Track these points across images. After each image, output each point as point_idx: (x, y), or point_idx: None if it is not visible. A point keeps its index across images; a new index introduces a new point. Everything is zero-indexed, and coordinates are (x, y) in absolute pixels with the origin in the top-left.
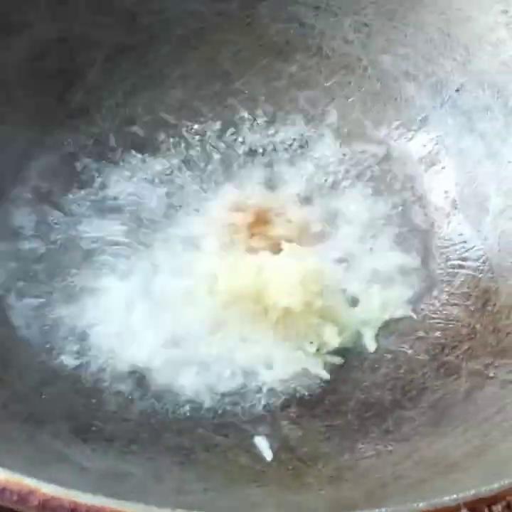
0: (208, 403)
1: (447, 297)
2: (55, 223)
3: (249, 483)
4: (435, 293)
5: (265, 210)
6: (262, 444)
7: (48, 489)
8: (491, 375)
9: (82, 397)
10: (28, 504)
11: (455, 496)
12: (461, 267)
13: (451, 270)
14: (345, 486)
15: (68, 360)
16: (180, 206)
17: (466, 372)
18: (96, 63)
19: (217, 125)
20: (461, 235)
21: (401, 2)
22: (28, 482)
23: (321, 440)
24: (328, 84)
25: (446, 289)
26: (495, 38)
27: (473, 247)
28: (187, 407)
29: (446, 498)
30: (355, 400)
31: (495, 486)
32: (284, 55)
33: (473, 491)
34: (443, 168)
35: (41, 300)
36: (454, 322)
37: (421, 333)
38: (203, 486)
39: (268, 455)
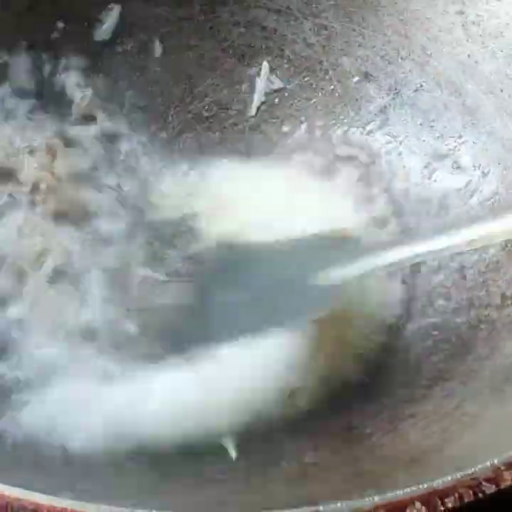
0: None
1: None
2: None
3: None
4: None
5: None
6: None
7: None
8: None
9: None
10: None
11: (408, 489)
12: None
13: None
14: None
15: None
16: None
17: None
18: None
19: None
20: None
21: (359, 4)
22: None
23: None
24: (290, 86)
25: None
26: (451, 38)
27: None
28: None
29: (400, 492)
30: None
31: (448, 479)
32: (247, 58)
33: (425, 485)
34: (404, 167)
35: None
36: None
37: None
38: (168, 485)
39: (233, 453)
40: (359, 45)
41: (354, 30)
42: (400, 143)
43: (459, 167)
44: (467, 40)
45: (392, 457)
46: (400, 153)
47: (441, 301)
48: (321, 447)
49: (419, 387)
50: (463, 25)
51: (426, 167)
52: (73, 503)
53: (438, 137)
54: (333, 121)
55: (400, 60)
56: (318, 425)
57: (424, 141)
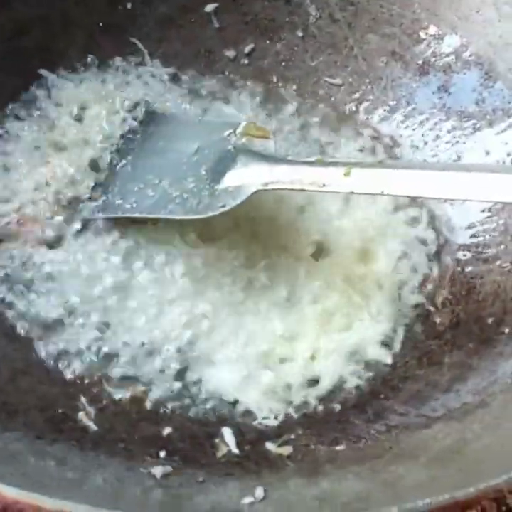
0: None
1: None
2: None
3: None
4: None
5: None
6: (228, 436)
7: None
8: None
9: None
10: None
11: (428, 500)
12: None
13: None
14: (326, 479)
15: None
16: None
17: (448, 362)
18: (77, 40)
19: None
20: None
21: None
22: None
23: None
24: (313, 63)
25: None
26: (482, 18)
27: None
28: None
29: (420, 503)
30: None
31: (470, 491)
32: (270, 33)
33: (447, 495)
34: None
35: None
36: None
37: None
38: (178, 481)
39: (233, 447)
40: (386, 23)
41: (382, 6)
42: (425, 125)
43: (489, 153)
44: (499, 20)
45: (410, 456)
46: (420, 134)
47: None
48: (339, 442)
49: (441, 381)
50: (494, 4)
51: (453, 150)
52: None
53: (466, 120)
54: (358, 101)
55: (428, 39)
56: (336, 420)
57: (452, 124)
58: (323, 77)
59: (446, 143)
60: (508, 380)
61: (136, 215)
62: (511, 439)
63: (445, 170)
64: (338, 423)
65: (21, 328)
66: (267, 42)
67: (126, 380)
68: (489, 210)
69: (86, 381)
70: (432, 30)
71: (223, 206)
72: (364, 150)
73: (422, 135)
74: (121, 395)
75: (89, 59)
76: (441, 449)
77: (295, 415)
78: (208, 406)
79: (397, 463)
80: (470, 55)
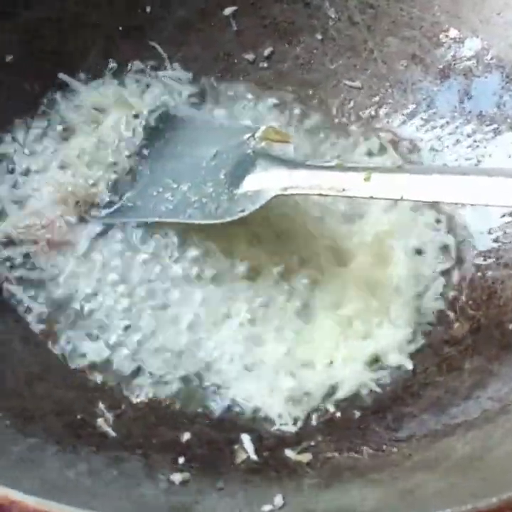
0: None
1: None
2: None
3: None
4: None
5: None
6: (247, 442)
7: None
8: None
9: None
10: None
11: (449, 510)
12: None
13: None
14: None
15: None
16: None
17: (469, 368)
18: (97, 44)
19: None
20: None
21: None
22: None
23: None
24: (333, 66)
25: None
26: (504, 20)
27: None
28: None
29: None
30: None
31: (492, 501)
32: (289, 36)
33: (469, 506)
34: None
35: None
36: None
37: None
38: (196, 487)
39: (252, 453)
40: (406, 26)
41: (401, 9)
42: (445, 128)
43: (510, 157)
44: None
45: (430, 463)
46: (440, 138)
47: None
48: (358, 449)
49: (461, 388)
50: None
51: (473, 154)
52: None
53: (487, 124)
54: (377, 104)
55: (448, 43)
56: (356, 427)
57: (472, 128)
58: (343, 80)
59: (467, 147)
60: None
61: (155, 219)
62: None
63: (465, 174)
64: (358, 430)
65: (40, 332)
66: (286, 45)
67: (145, 385)
68: (510, 214)
69: (105, 386)
70: (453, 33)
71: (242, 211)
72: (382, 154)
73: (442, 139)
74: (139, 400)
75: (108, 63)
76: (462, 456)
77: (314, 422)
78: (227, 412)
79: (416, 471)
80: (491, 58)
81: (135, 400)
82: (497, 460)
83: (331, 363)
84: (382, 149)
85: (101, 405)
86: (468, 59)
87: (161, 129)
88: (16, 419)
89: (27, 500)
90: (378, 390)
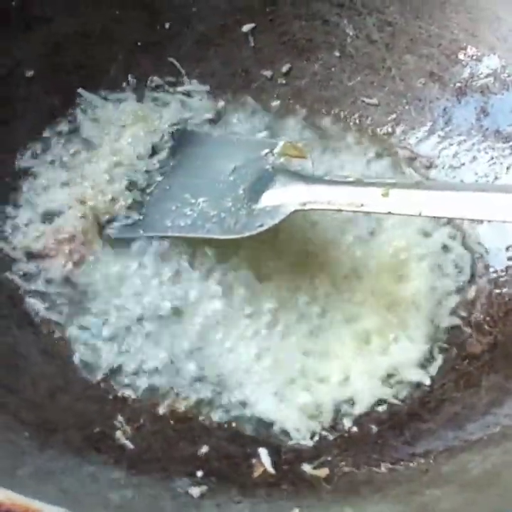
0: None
1: None
2: None
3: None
4: None
5: None
6: (264, 456)
7: None
8: None
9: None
10: None
11: None
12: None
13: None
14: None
15: None
16: None
17: (486, 385)
18: (117, 59)
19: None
20: None
21: (426, 0)
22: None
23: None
24: (350, 83)
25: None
26: None
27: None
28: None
29: None
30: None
31: None
32: (307, 53)
33: None
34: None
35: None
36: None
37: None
38: (215, 501)
39: (269, 467)
40: (424, 43)
41: (420, 27)
42: (462, 146)
43: None
44: None
45: (447, 479)
46: (457, 155)
47: None
48: (376, 464)
49: (478, 404)
50: None
51: (490, 171)
52: None
53: (504, 141)
54: (395, 122)
55: (466, 60)
56: (373, 442)
57: (489, 144)
58: (360, 98)
59: (484, 164)
60: None
61: (174, 234)
62: None
63: (483, 191)
64: (375, 445)
65: (59, 345)
66: (304, 62)
67: (164, 398)
68: None
69: (124, 399)
70: (471, 51)
71: (261, 226)
72: (399, 171)
73: (459, 156)
74: (158, 413)
75: (128, 78)
76: (479, 472)
77: (331, 436)
78: (245, 426)
79: (434, 486)
80: (508, 76)
81: (154, 413)
82: None
83: (348, 377)
84: (399, 166)
85: (120, 418)
86: (486, 76)
87: (179, 145)
88: (36, 431)
89: (50, 510)
90: (396, 404)
